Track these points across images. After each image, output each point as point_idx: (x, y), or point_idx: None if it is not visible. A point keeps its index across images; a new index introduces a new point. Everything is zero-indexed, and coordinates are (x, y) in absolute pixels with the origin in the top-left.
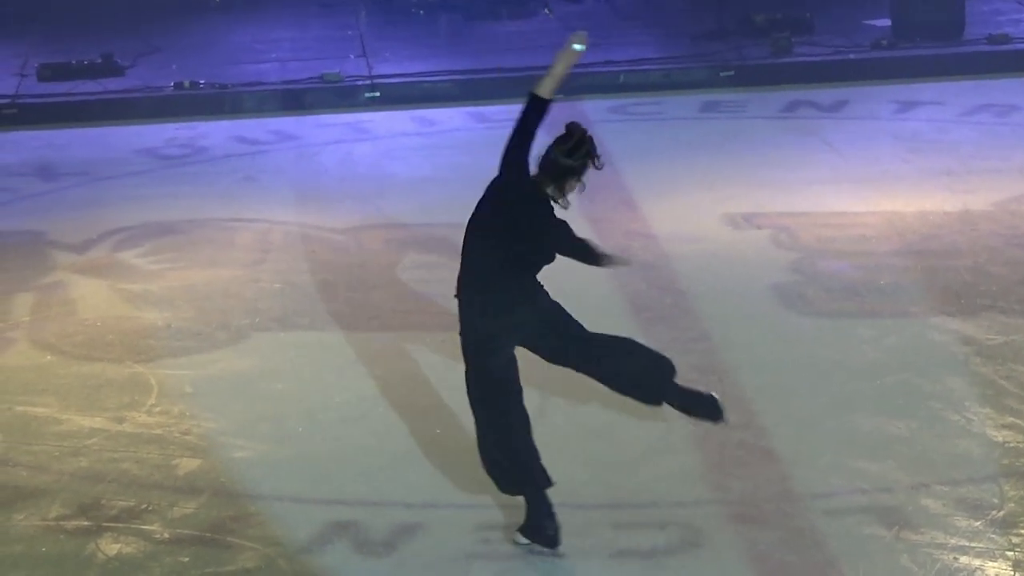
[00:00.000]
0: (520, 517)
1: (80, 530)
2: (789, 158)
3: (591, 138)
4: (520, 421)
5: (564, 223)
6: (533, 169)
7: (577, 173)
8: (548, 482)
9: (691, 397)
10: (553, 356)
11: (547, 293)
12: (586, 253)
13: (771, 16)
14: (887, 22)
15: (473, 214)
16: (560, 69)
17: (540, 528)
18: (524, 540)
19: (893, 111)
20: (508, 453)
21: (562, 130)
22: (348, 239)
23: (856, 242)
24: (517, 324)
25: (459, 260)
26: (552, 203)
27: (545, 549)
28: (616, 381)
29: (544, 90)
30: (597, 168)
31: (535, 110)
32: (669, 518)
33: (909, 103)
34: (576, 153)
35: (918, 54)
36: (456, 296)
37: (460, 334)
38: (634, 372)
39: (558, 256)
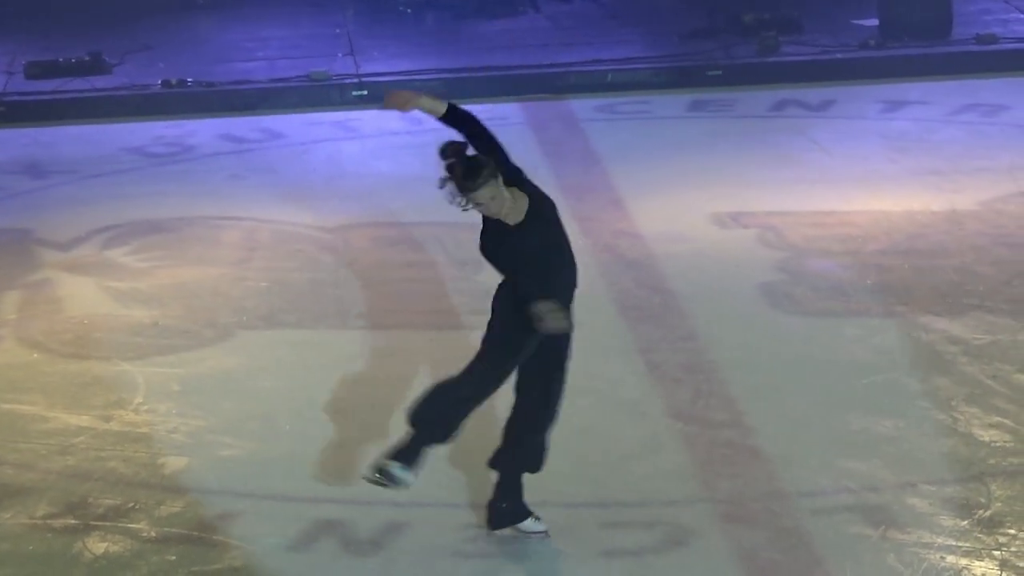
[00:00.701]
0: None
1: (67, 528)
2: (776, 157)
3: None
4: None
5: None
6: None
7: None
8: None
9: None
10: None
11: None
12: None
13: (759, 15)
14: (875, 22)
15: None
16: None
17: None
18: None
19: (880, 111)
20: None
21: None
22: (335, 238)
23: (843, 241)
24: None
25: (446, 259)
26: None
27: (485, 526)
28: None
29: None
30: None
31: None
32: (657, 517)
33: (897, 103)
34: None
35: (906, 54)
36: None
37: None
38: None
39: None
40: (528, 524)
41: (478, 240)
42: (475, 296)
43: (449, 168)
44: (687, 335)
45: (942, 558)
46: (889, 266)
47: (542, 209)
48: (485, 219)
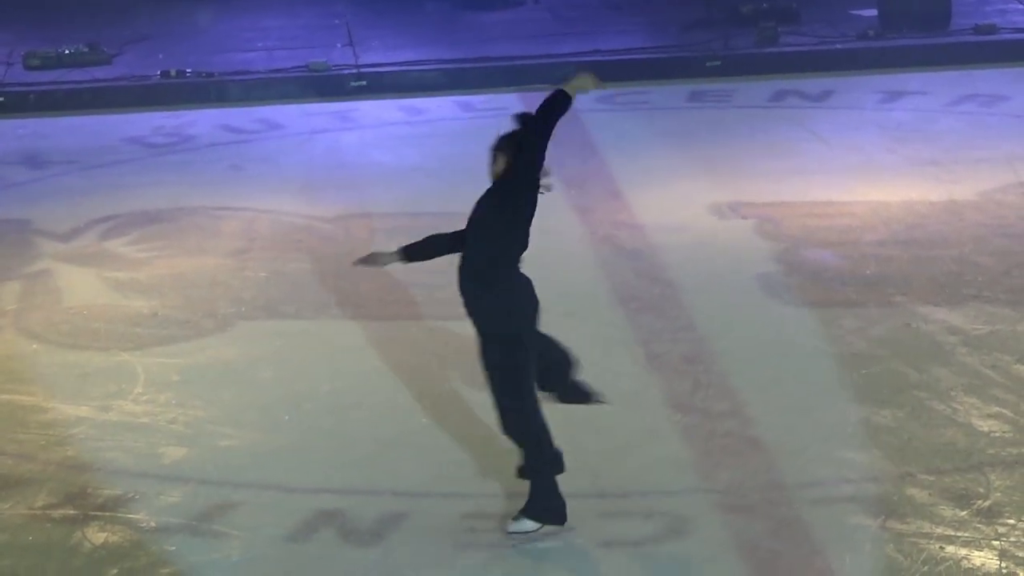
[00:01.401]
0: (509, 506)
1: (66, 519)
2: (775, 148)
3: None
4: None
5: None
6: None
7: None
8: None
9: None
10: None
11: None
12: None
13: (757, 6)
14: (873, 12)
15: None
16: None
17: (556, 502)
18: (518, 528)
19: (879, 101)
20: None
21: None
22: (335, 228)
23: (841, 232)
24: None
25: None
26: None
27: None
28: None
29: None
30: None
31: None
32: (656, 507)
33: (895, 93)
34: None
35: (904, 44)
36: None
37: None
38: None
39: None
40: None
41: None
42: None
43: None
44: (686, 325)
45: (941, 548)
46: (888, 256)
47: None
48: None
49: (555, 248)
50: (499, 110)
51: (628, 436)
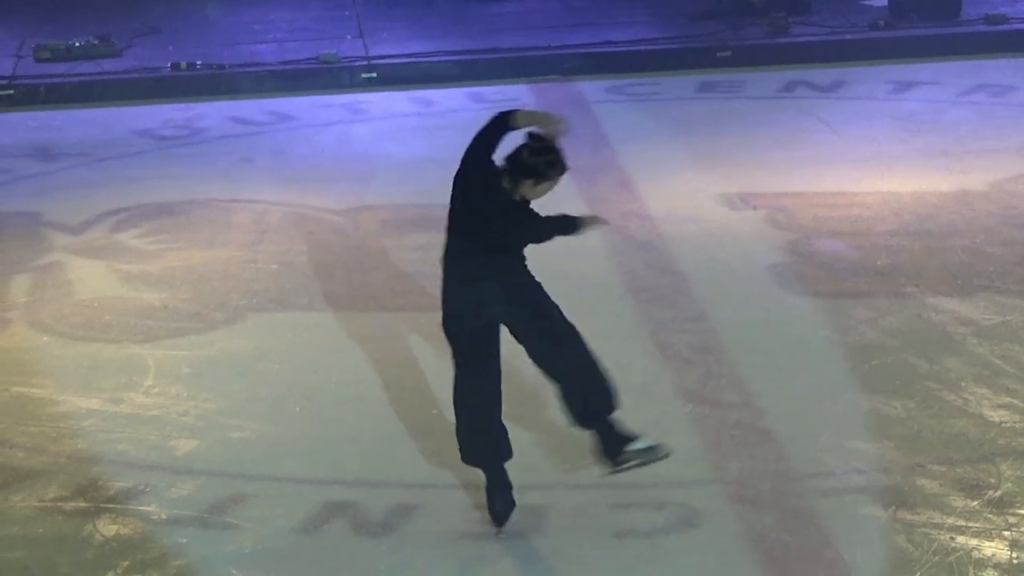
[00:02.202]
0: (520, 498)
1: (77, 511)
2: (786, 138)
3: (559, 151)
4: (486, 399)
5: (525, 213)
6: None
7: (533, 175)
8: (505, 456)
9: (618, 437)
10: (520, 339)
11: (527, 274)
12: (557, 230)
13: None
14: (884, 2)
15: (451, 201)
16: (534, 118)
17: (491, 503)
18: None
19: (890, 91)
20: (471, 426)
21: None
22: (345, 220)
23: (853, 222)
24: (484, 300)
25: None
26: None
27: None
28: (563, 387)
29: (516, 122)
30: (554, 178)
31: (498, 132)
32: (666, 498)
33: (906, 83)
34: (540, 156)
35: (915, 34)
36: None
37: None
38: (583, 388)
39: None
40: (639, 443)
41: None
42: None
43: (558, 151)
44: (696, 316)
45: (952, 539)
46: (899, 247)
47: None
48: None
49: (564, 239)
50: (510, 101)
51: (638, 427)
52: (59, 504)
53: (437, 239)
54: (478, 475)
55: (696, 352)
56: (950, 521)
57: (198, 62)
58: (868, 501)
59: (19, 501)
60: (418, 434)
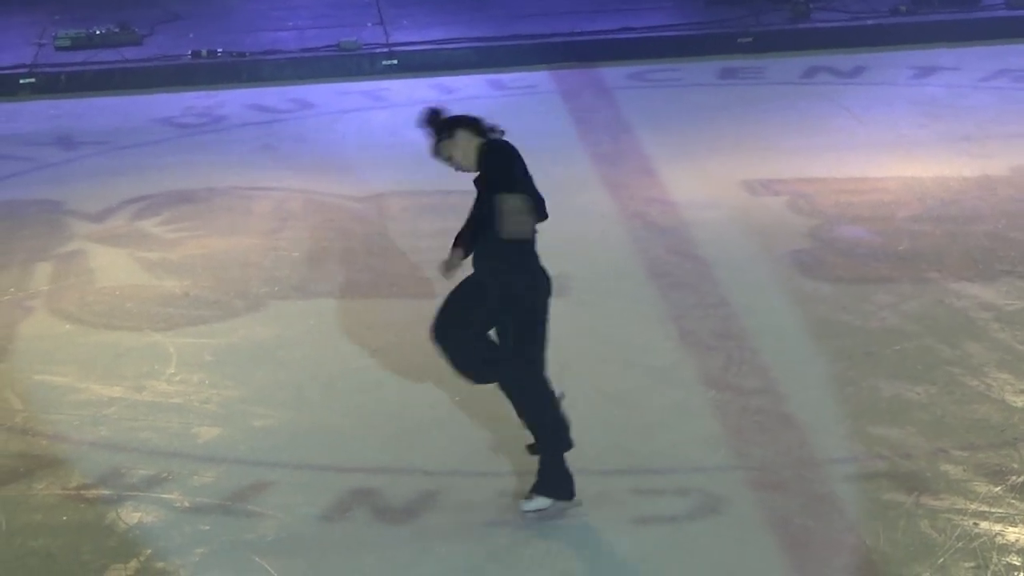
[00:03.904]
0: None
1: (100, 499)
2: (807, 124)
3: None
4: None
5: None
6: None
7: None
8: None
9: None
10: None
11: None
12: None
13: None
14: None
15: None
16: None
17: (565, 479)
18: (533, 507)
19: (911, 76)
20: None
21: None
22: (366, 207)
23: (875, 207)
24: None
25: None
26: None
27: (563, 511)
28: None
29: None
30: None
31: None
32: (689, 484)
33: (927, 68)
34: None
35: (936, 19)
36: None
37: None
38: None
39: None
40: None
41: None
42: None
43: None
44: (718, 302)
45: (975, 524)
46: (921, 232)
47: None
48: None
49: (587, 225)
50: (530, 88)
51: (660, 413)
52: (82, 492)
53: (457, 225)
54: (500, 462)
55: (718, 338)
56: (973, 507)
57: (219, 50)
58: (891, 487)
59: (42, 489)
60: (440, 421)
